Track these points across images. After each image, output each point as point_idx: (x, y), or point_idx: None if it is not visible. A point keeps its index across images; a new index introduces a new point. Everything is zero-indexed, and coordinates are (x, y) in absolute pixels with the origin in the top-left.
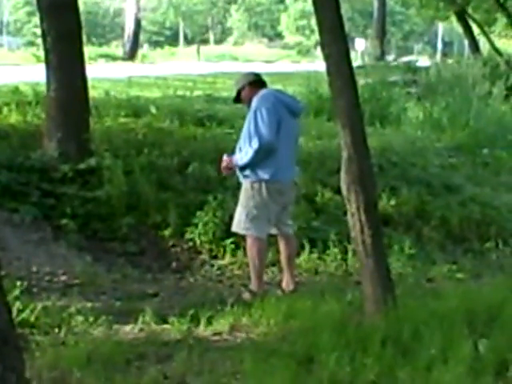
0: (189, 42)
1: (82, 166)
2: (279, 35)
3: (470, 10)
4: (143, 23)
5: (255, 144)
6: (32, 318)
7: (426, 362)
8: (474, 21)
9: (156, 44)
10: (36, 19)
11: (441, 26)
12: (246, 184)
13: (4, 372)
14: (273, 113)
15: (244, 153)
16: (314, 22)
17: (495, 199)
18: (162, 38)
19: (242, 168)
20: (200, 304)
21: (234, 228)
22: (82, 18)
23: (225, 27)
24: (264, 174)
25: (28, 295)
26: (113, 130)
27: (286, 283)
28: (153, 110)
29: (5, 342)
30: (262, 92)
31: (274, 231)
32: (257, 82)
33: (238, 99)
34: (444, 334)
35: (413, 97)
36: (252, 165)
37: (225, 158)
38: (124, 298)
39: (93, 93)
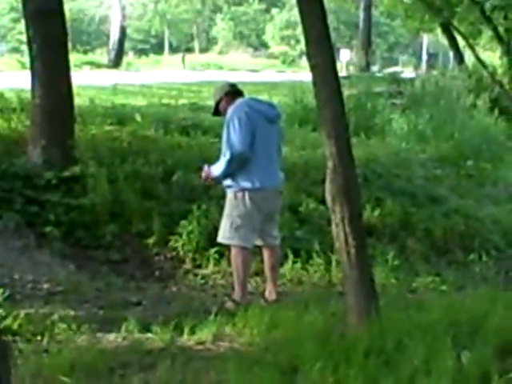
0: (174, 50)
1: (66, 173)
2: (264, 45)
3: (455, 22)
4: (128, 31)
5: (227, 155)
6: (15, 326)
7: (409, 374)
8: (459, 33)
9: (141, 52)
10: (21, 26)
11: (426, 38)
12: (229, 194)
13: None
14: (245, 122)
15: (218, 164)
16: (299, 31)
17: (479, 211)
18: (147, 46)
19: (224, 178)
20: (183, 313)
21: (219, 238)
22: (68, 25)
23: (210, 36)
24: (246, 183)
25: (11, 302)
26: (97, 137)
27: (269, 293)
28: (138, 118)
29: None
30: (237, 102)
31: (258, 242)
32: (233, 92)
33: (216, 112)
34: (427, 345)
35: (398, 108)
36: (232, 175)
37: (205, 168)
38: (107, 306)
39: (78, 100)
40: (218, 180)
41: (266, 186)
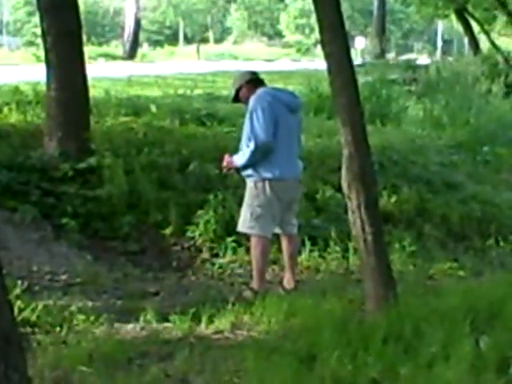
0: (188, 41)
1: (82, 165)
2: (279, 34)
3: (469, 8)
4: (143, 22)
5: (251, 145)
6: (33, 317)
7: (428, 360)
8: (474, 19)
9: (156, 43)
10: (36, 19)
11: (440, 24)
12: (249, 183)
13: (6, 371)
14: (268, 112)
15: (242, 154)
16: (313, 20)
17: (496, 197)
18: (161, 37)
19: (244, 168)
20: (201, 302)
21: (239, 227)
22: (82, 17)
23: (224, 26)
24: (267, 173)
25: (29, 294)
26: (113, 129)
27: (288, 281)
28: (153, 109)
29: (8, 341)
30: (259, 91)
31: (277, 230)
32: (254, 80)
33: (236, 99)
34: (445, 331)
35: (413, 95)
36: (253, 164)
37: (226, 157)
38: (125, 296)
39: (93, 92)
40: (238, 169)
41: (286, 176)
